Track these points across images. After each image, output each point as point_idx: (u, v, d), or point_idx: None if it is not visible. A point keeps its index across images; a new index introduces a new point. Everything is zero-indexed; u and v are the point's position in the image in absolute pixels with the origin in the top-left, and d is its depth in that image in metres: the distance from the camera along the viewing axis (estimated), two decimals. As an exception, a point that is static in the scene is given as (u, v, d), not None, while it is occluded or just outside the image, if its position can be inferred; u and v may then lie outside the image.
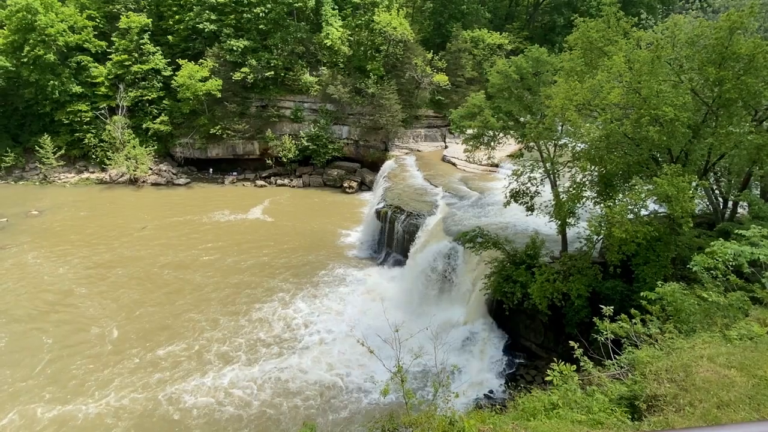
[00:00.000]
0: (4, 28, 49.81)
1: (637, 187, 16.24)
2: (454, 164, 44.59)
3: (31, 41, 47.45)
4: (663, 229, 16.73)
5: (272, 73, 51.01)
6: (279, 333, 25.88)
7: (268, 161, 53.49)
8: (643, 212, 16.51)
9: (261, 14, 49.62)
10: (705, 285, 11.15)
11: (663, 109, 15.38)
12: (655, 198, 15.89)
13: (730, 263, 11.03)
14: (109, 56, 51.63)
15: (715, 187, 21.24)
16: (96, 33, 52.21)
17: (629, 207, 15.71)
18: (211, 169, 54.55)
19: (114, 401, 20.68)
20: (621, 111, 17.62)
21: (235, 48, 50.05)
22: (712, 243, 11.81)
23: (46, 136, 49.75)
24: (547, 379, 8.72)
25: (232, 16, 50.90)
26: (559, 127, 21.41)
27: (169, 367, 22.94)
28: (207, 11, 50.92)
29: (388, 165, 46.66)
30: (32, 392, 21.07)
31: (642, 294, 11.41)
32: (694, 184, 16.05)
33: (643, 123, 16.00)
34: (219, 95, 49.79)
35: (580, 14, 22.84)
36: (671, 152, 17.65)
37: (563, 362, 8.81)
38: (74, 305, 28.16)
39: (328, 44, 51.67)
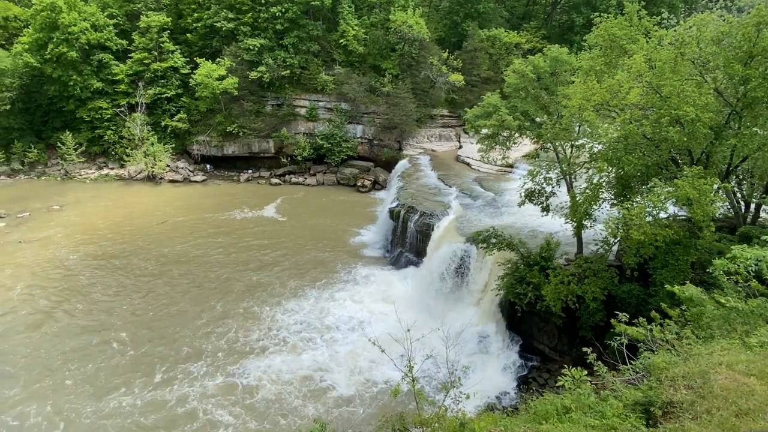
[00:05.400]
0: (29, 27, 51.09)
1: (656, 188, 15.92)
2: (468, 164, 44.34)
3: (54, 39, 48.54)
4: (682, 232, 16.38)
5: (288, 72, 51.38)
6: (286, 331, 26.01)
7: (282, 159, 53.91)
8: (662, 215, 16.18)
9: (278, 13, 49.96)
10: (725, 290, 10.88)
11: (684, 109, 15.05)
12: (675, 200, 15.56)
13: (752, 269, 10.75)
14: (130, 54, 52.61)
15: (737, 190, 20.70)
16: (117, 31, 53.23)
17: (648, 209, 15.42)
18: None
19: (116, 396, 21.11)
20: (640, 111, 17.29)
21: (251, 47, 50.50)
22: (732, 247, 11.53)
23: (68, 132, 50.96)
24: (559, 383, 8.60)
25: (249, 15, 51.35)
26: (576, 128, 21.12)
27: (171, 363, 23.27)
28: (224, 10, 51.50)
29: (401, 164, 46.60)
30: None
31: (668, 288, 11.11)
32: (715, 186, 15.67)
33: (663, 123, 15.68)
34: (236, 93, 50.35)
35: (599, 13, 22.44)
36: (692, 154, 17.27)
37: (577, 366, 8.68)
38: (88, 294, 28.90)
39: (343, 43, 51.81)
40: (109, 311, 27.46)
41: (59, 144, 50.83)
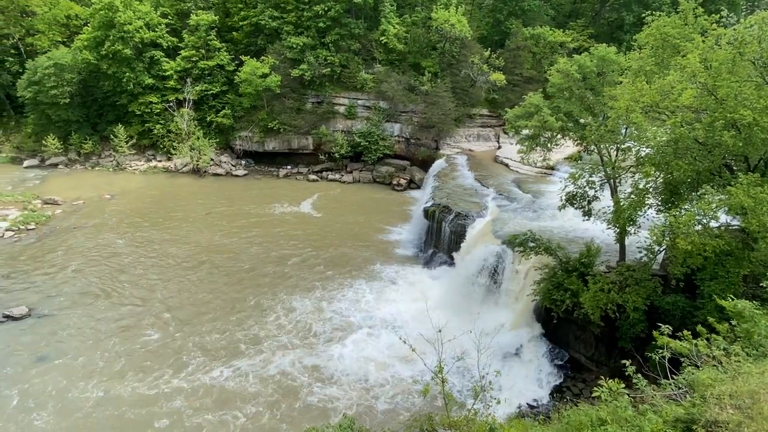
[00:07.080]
0: (89, 25, 54.21)
1: (707, 196, 15.09)
2: (507, 165, 43.52)
3: (111, 37, 51.32)
4: (735, 243, 15.47)
5: (329, 70, 52.09)
6: (317, 327, 26.41)
7: (320, 156, 54.76)
8: (713, 224, 15.33)
9: (321, 12, 50.68)
10: (781, 306, 10.21)
11: (741, 113, 14.18)
12: (728, 209, 14.70)
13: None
14: (179, 52, 54.85)
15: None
16: (168, 30, 55.61)
17: (697, 217, 14.64)
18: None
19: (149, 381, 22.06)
20: (693, 114, 16.42)
21: (294, 45, 51.53)
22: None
23: (120, 125, 53.78)
24: (595, 394, 8.32)
25: (293, 14, 52.37)
26: (623, 130, 20.30)
27: (177, 359, 23.95)
28: (270, 8, 52.76)
29: (438, 164, 46.29)
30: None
31: (717, 302, 10.55)
32: (773, 195, 14.66)
33: (717, 127, 14.84)
34: (278, 91, 51.60)
35: (652, 11, 21.42)
36: (748, 160, 16.27)
37: (614, 378, 8.37)
38: (131, 278, 30.57)
39: (384, 41, 51.95)
40: (147, 296, 29.00)
41: (112, 136, 53.70)
